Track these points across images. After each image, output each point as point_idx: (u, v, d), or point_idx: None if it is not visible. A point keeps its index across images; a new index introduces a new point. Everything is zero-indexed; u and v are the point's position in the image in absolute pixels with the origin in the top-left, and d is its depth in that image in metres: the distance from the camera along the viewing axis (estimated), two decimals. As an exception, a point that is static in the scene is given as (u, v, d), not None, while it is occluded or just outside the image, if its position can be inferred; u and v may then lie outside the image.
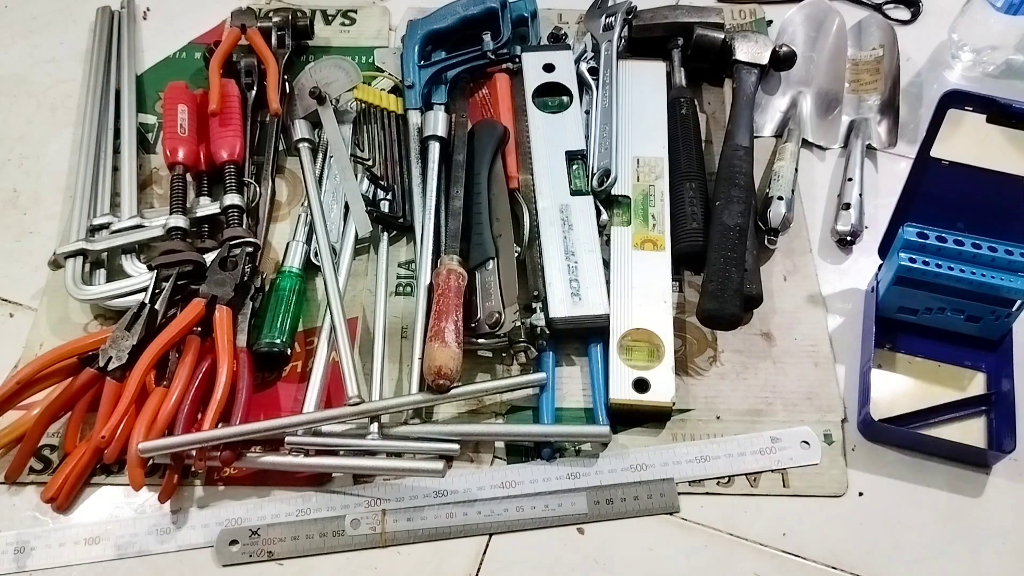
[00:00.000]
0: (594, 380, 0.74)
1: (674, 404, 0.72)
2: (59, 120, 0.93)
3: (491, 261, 0.77)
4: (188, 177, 0.85)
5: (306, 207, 0.83)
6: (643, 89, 0.90)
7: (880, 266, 0.78)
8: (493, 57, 0.90)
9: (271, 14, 0.95)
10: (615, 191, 0.82)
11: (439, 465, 0.68)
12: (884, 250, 0.77)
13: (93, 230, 0.81)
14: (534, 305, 0.75)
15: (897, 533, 0.68)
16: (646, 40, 0.93)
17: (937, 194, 0.72)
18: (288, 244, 0.81)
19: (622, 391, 0.72)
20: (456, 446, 0.69)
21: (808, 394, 0.74)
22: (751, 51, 0.91)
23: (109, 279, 0.79)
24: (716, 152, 0.86)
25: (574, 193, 0.81)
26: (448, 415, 0.73)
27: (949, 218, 0.72)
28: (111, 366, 0.71)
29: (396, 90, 0.91)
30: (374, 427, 0.70)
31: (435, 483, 0.69)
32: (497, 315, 0.73)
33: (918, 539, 0.68)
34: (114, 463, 0.69)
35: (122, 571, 0.66)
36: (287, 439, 0.69)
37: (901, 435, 0.71)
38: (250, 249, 0.78)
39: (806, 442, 0.72)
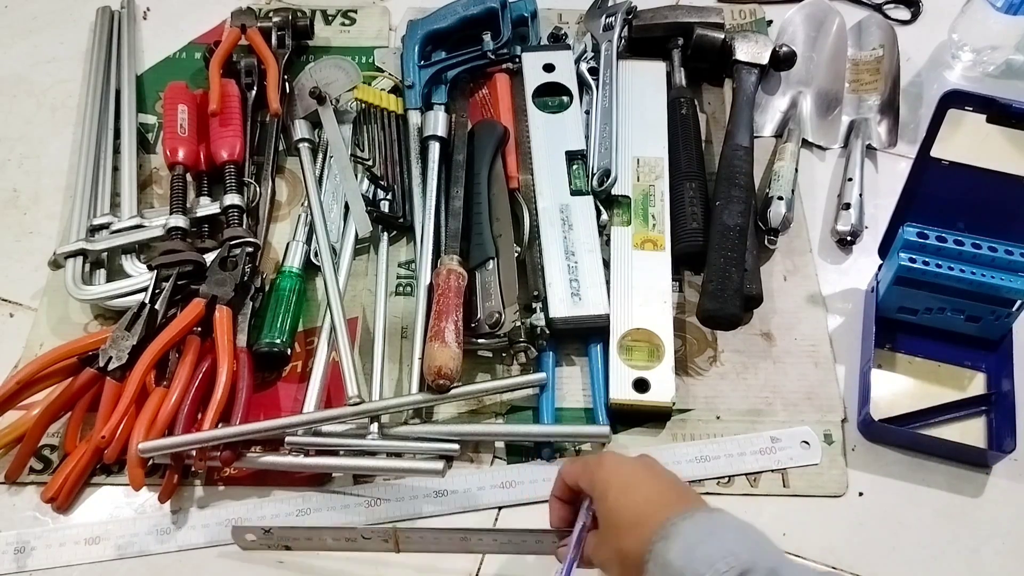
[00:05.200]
0: (594, 380, 0.74)
1: (674, 404, 0.72)
2: (59, 120, 0.93)
3: (491, 261, 0.77)
4: (188, 177, 0.85)
5: (306, 207, 0.83)
6: (643, 89, 0.90)
7: (880, 266, 0.78)
8: (493, 57, 0.90)
9: (271, 14, 0.95)
10: (615, 191, 0.82)
11: (439, 465, 0.68)
12: (884, 250, 0.77)
13: (93, 230, 0.81)
14: (534, 305, 0.75)
15: (897, 533, 0.68)
16: (646, 40, 0.93)
17: (937, 194, 0.72)
18: (288, 244, 0.81)
19: (622, 391, 0.72)
20: (456, 446, 0.70)
21: (808, 394, 0.74)
22: (751, 51, 0.91)
23: (109, 279, 0.79)
24: (716, 152, 0.86)
25: (574, 193, 0.81)
26: (448, 415, 0.73)
27: (949, 218, 0.72)
28: (111, 366, 0.71)
29: (396, 90, 0.91)
30: (374, 427, 0.70)
31: (435, 483, 0.69)
32: (497, 315, 0.73)
33: (918, 539, 0.68)
34: (114, 463, 0.69)
35: (122, 571, 0.66)
36: (287, 439, 0.69)
37: (901, 435, 0.71)
38: (250, 249, 0.78)
39: (806, 442, 0.72)
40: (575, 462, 0.57)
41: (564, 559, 0.54)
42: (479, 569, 0.66)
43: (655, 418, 0.73)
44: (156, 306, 0.74)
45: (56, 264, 0.79)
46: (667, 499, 0.52)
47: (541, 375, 0.73)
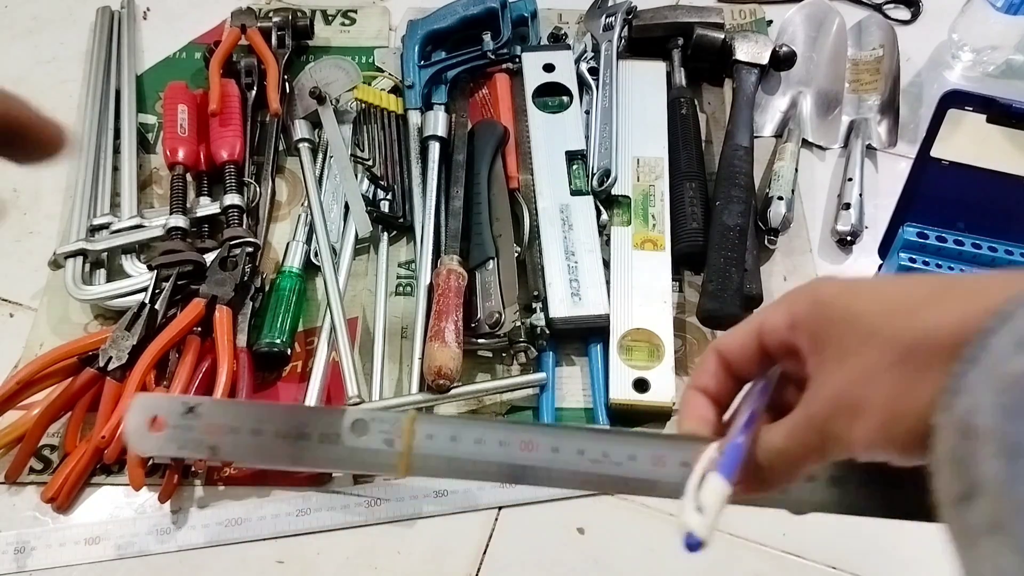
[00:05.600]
0: (594, 380, 0.74)
1: (674, 404, 0.72)
2: (59, 120, 0.92)
3: (491, 261, 0.77)
4: (188, 177, 0.85)
5: (306, 207, 0.83)
6: (643, 89, 0.90)
7: (880, 266, 0.78)
8: (493, 57, 0.90)
9: (271, 14, 0.95)
10: (615, 191, 0.82)
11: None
12: (884, 250, 0.77)
13: (93, 230, 0.81)
14: (534, 305, 0.75)
15: (897, 533, 0.68)
16: (646, 40, 0.93)
17: (937, 194, 0.72)
18: (288, 244, 0.81)
19: (622, 391, 0.72)
20: (456, 446, 0.69)
21: (808, 394, 0.74)
22: (751, 51, 0.91)
23: (109, 279, 0.79)
24: (716, 152, 0.86)
25: (574, 193, 0.81)
26: (448, 415, 0.73)
27: (949, 218, 0.72)
28: (111, 366, 0.70)
29: (396, 90, 0.91)
30: (374, 427, 0.70)
31: (435, 483, 0.69)
32: (497, 315, 0.73)
33: (918, 539, 0.67)
34: (114, 463, 0.69)
35: (122, 571, 0.66)
36: (287, 439, 0.69)
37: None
38: (250, 249, 0.78)
39: (806, 442, 0.72)
40: (741, 326, 0.37)
41: (715, 465, 0.33)
42: (478, 571, 0.66)
43: (655, 418, 0.73)
44: (156, 306, 0.74)
45: (56, 264, 0.79)
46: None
47: (541, 375, 0.73)
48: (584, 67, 0.91)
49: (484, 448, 0.37)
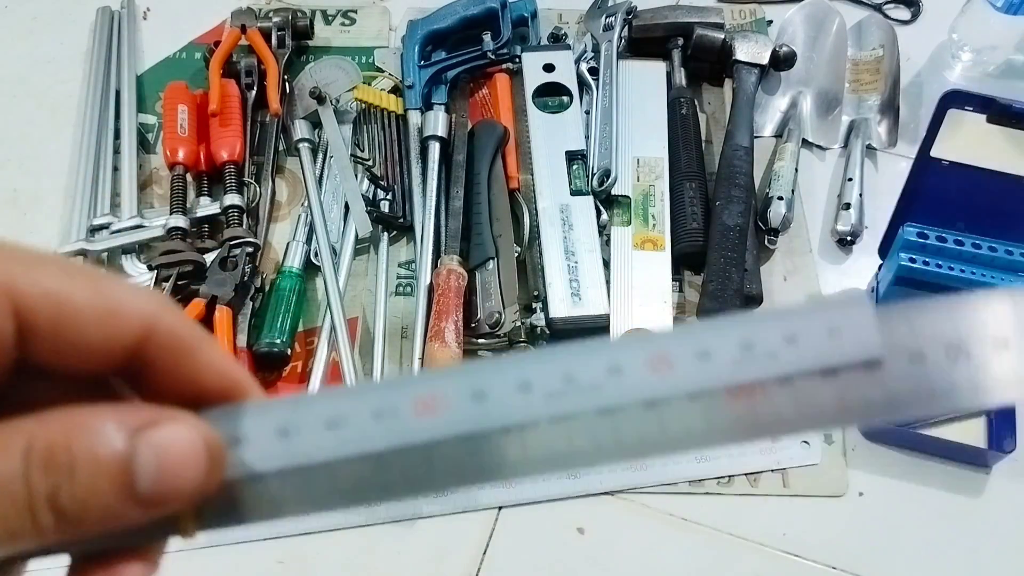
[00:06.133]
0: (594, 380, 0.74)
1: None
2: (59, 120, 0.93)
3: (491, 261, 0.77)
4: (188, 177, 0.85)
5: (306, 207, 0.83)
6: (643, 89, 0.90)
7: (880, 266, 0.78)
8: (493, 57, 0.90)
9: (271, 14, 0.95)
10: (615, 191, 0.82)
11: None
12: (884, 250, 0.77)
13: (93, 230, 0.81)
14: (534, 305, 0.75)
15: (897, 533, 0.68)
16: (646, 40, 0.93)
17: (937, 194, 0.72)
18: (288, 244, 0.81)
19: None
20: (456, 446, 0.70)
21: (808, 394, 0.74)
22: (751, 51, 0.91)
23: (109, 279, 0.79)
24: (716, 152, 0.86)
25: (574, 193, 0.81)
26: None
27: (949, 218, 0.72)
28: (111, 366, 0.70)
29: (396, 90, 0.91)
30: (374, 427, 0.70)
31: (435, 483, 0.69)
32: (497, 315, 0.73)
33: (918, 539, 0.68)
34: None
35: (122, 571, 0.66)
36: (287, 439, 0.69)
37: (901, 435, 0.71)
38: (250, 249, 0.78)
39: (806, 442, 0.72)
40: None
41: None
42: (478, 571, 0.66)
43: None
44: (156, 306, 0.74)
45: (56, 264, 0.79)
46: None
47: (541, 375, 0.72)
48: (584, 67, 0.91)
49: (348, 433, 0.21)
